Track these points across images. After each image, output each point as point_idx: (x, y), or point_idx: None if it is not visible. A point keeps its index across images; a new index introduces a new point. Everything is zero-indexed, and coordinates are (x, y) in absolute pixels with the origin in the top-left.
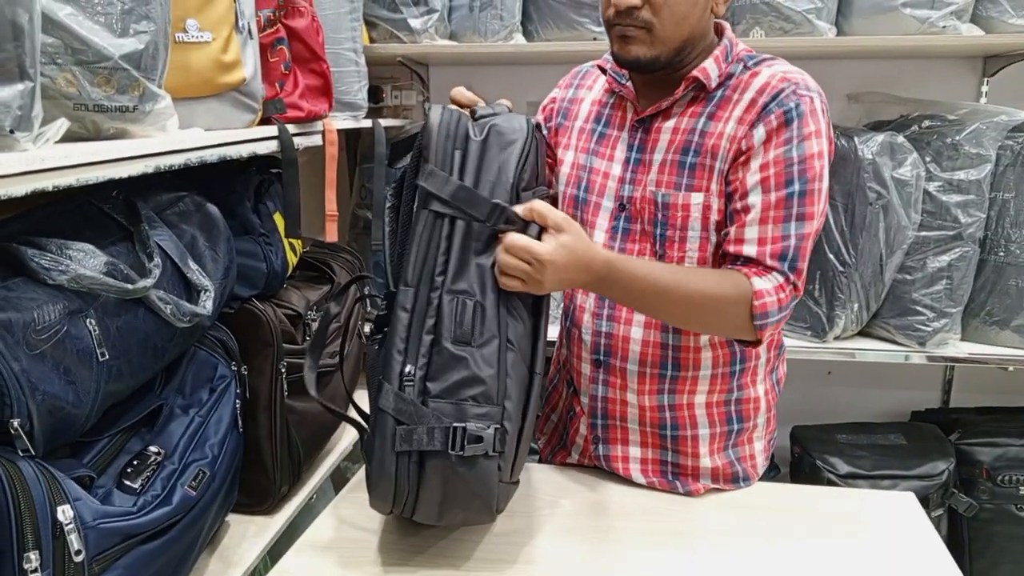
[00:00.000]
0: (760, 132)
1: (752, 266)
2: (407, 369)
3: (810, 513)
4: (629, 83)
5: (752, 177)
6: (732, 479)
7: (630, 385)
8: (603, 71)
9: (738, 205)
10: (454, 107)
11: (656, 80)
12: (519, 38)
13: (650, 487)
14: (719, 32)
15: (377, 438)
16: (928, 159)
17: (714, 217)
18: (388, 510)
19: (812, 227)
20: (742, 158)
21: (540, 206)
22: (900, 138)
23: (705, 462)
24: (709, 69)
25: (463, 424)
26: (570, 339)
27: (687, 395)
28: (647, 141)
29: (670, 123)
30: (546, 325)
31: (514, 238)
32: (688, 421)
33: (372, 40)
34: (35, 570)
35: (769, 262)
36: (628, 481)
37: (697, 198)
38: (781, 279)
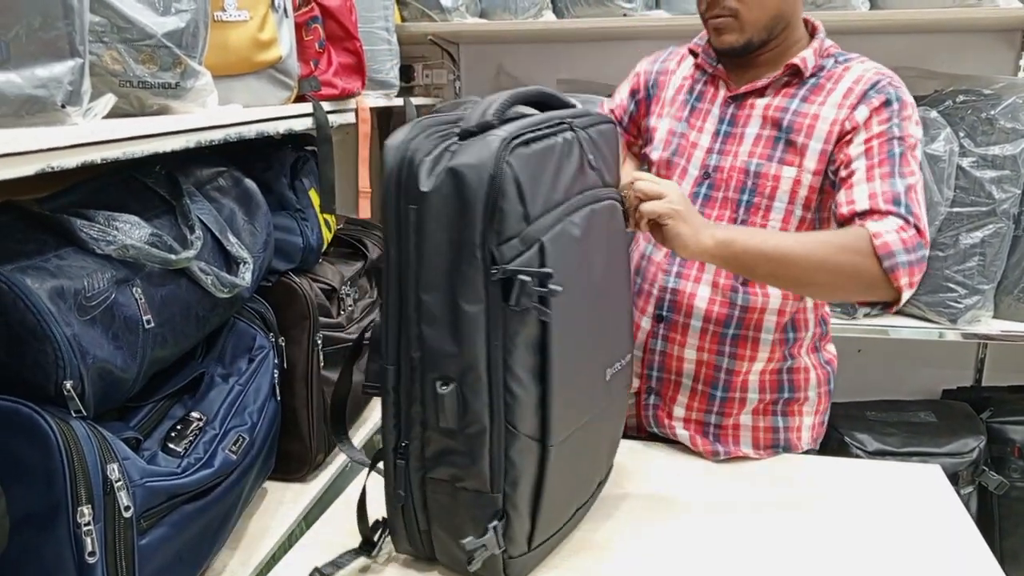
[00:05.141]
0: (863, 112)
1: (869, 216)
2: (402, 445)
3: (836, 485)
4: (720, 65)
5: (856, 149)
6: (772, 445)
7: (690, 341)
8: (694, 54)
9: (843, 173)
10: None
11: (748, 63)
12: (549, 15)
13: (692, 444)
14: (812, 30)
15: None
16: (962, 134)
17: (803, 192)
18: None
19: (915, 180)
20: (847, 136)
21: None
22: (933, 113)
23: (746, 420)
24: (808, 59)
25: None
26: (636, 294)
27: (747, 361)
28: (738, 116)
29: (763, 101)
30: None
31: (638, 178)
32: (739, 385)
33: (403, 19)
34: (88, 523)
35: (883, 207)
36: (670, 442)
37: (789, 172)
38: (900, 221)
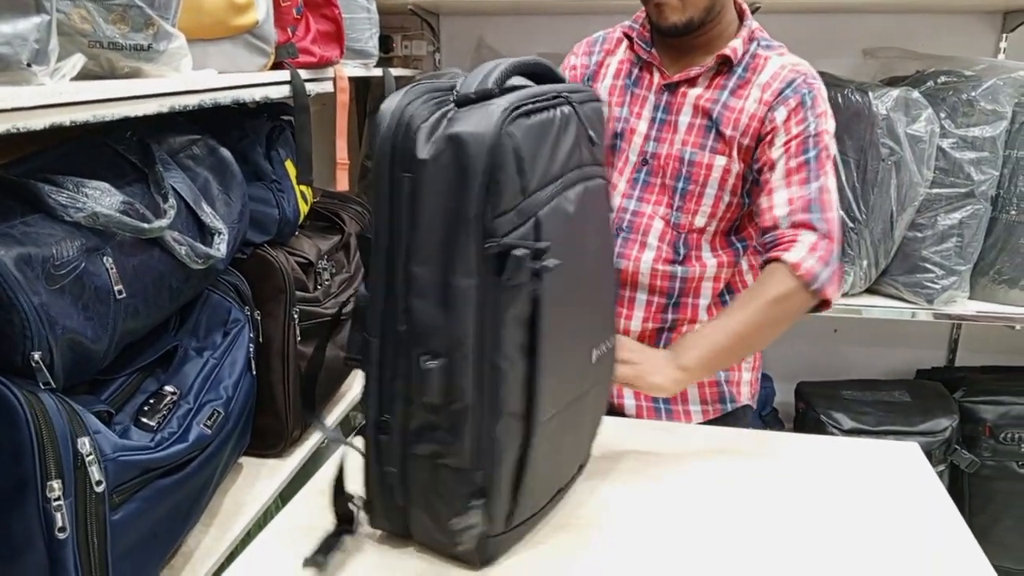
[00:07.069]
0: (781, 113)
1: (782, 239)
2: (383, 419)
3: (815, 462)
4: (654, 50)
5: (777, 151)
6: (719, 399)
7: (636, 314)
8: (628, 38)
9: (766, 175)
10: None
11: (683, 47)
12: None
13: (637, 414)
14: (741, 13)
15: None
16: (943, 115)
17: (732, 180)
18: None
19: (827, 182)
20: (768, 137)
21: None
22: (915, 94)
23: None
24: (738, 48)
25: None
26: None
27: (687, 323)
28: (672, 104)
29: (696, 91)
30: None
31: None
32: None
33: None
34: (58, 498)
35: (799, 217)
36: (618, 412)
37: (720, 161)
38: (812, 237)
